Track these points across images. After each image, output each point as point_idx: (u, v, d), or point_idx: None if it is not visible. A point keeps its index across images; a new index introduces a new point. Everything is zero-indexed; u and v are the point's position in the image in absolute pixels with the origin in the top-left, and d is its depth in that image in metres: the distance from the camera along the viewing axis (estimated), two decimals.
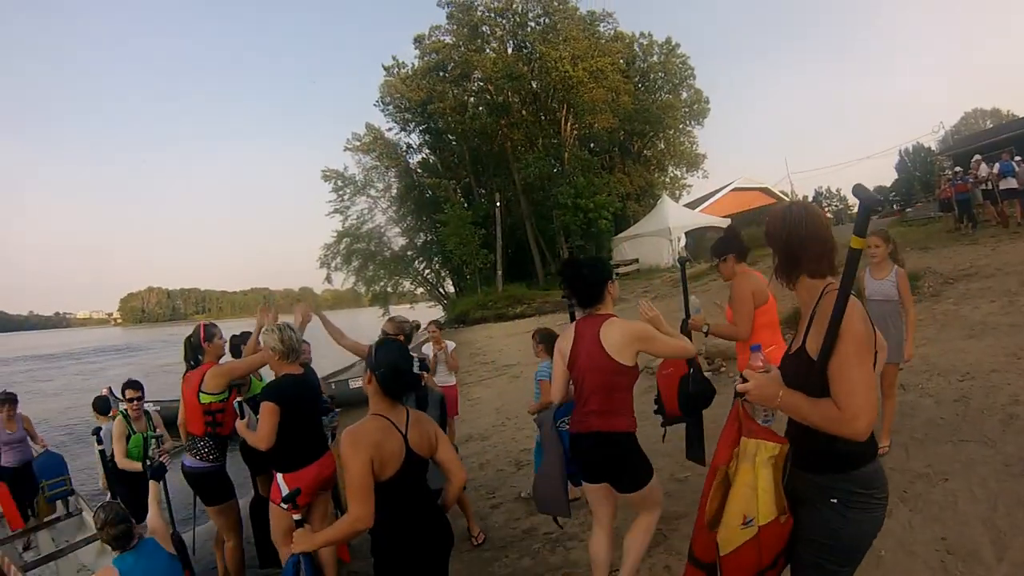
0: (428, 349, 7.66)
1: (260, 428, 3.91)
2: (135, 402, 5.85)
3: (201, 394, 4.51)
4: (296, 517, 3.17)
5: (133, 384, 6.00)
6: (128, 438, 5.64)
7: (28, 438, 7.54)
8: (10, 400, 7.45)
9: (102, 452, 6.12)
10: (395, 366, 2.72)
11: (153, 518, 3.91)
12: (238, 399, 4.53)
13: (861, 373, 1.94)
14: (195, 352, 4.75)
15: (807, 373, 2.04)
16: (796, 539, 2.16)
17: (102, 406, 7.02)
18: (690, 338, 4.19)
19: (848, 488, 2.04)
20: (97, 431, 6.19)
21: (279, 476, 4.05)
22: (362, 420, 2.72)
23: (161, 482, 4.32)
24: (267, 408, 3.88)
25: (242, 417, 4.27)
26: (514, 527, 5.45)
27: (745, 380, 2.09)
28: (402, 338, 4.87)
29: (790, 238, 2.17)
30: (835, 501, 2.04)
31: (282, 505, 3.84)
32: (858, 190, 1.99)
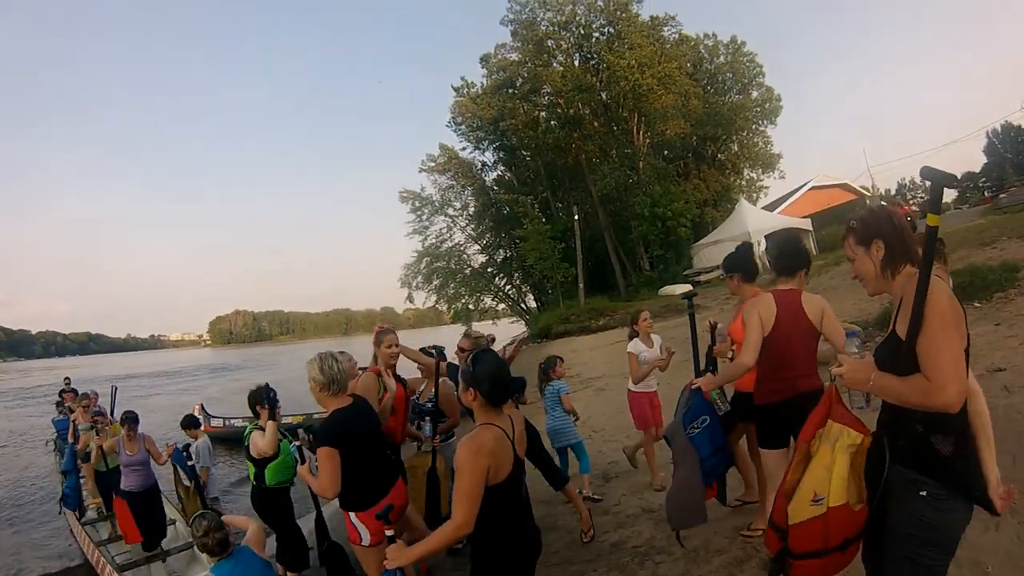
0: (638, 346, 6.45)
1: (321, 476, 3.65)
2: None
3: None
4: (389, 533, 3.14)
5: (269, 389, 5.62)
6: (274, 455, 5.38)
7: (151, 460, 7.31)
8: (131, 419, 7.26)
9: (192, 468, 6.50)
10: (496, 377, 2.81)
11: (246, 526, 4.08)
12: (295, 443, 4.35)
13: (946, 344, 2.00)
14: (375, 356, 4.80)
15: (896, 354, 2.10)
16: (886, 533, 2.21)
17: (190, 423, 7.46)
18: (715, 363, 4.68)
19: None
20: (187, 447, 6.62)
21: (352, 516, 3.84)
22: (479, 430, 2.79)
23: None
24: (324, 454, 3.59)
25: (302, 462, 4.05)
26: (602, 540, 5.34)
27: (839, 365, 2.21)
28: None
29: (899, 230, 2.25)
30: (924, 494, 2.07)
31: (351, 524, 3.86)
32: (926, 171, 2.05)
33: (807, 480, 2.24)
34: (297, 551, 5.55)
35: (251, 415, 5.71)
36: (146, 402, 32.08)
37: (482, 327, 40.46)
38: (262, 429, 5.39)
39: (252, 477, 5.59)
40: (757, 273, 4.65)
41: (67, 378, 16.35)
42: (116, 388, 9.00)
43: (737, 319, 4.49)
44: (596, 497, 6.44)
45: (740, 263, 4.60)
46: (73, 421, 10.14)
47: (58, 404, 15.07)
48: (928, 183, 2.07)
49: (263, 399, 5.47)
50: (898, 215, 2.32)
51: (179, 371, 66.56)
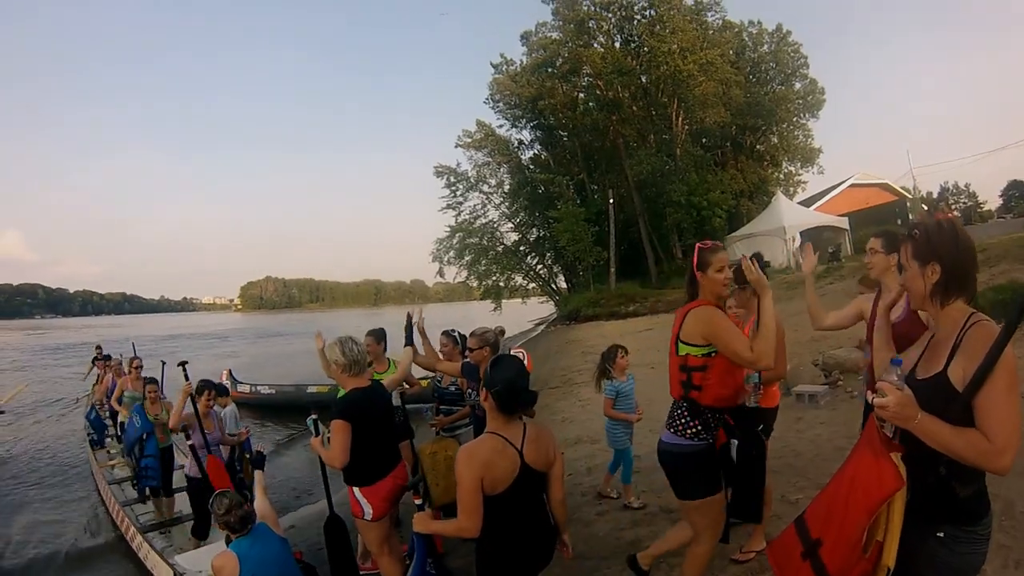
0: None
1: (332, 446, 3.92)
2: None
3: (679, 343, 3.26)
4: (417, 502, 3.39)
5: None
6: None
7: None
8: (217, 390, 6.70)
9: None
10: (511, 384, 2.81)
11: (261, 504, 4.14)
12: (312, 416, 4.49)
13: (1013, 408, 1.86)
14: (691, 285, 3.44)
15: (945, 401, 1.93)
16: (900, 573, 2.04)
17: (219, 391, 7.32)
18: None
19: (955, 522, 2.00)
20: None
21: (356, 491, 4.09)
22: (479, 438, 2.88)
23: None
24: (337, 426, 3.87)
25: (316, 434, 4.28)
26: (619, 537, 5.27)
27: (879, 395, 1.93)
28: (487, 351, 4.89)
29: (963, 256, 2.07)
30: (942, 535, 1.99)
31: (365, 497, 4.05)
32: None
33: (896, 517, 1.98)
34: None
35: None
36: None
37: (511, 305, 40.66)
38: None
39: None
40: None
41: (98, 346, 16.13)
42: (164, 363, 8.74)
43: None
44: (635, 505, 5.89)
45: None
46: (117, 386, 9.73)
47: (94, 360, 15.11)
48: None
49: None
50: (966, 236, 2.12)
51: (214, 334, 67.41)
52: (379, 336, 6.05)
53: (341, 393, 4.20)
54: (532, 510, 2.97)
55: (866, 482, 2.04)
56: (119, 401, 9.37)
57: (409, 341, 5.18)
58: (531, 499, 2.95)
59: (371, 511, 4.09)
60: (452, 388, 5.69)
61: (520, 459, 2.83)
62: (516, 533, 2.89)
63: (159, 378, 7.94)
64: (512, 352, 4.88)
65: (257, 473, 4.56)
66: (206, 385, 6.58)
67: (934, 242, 2.09)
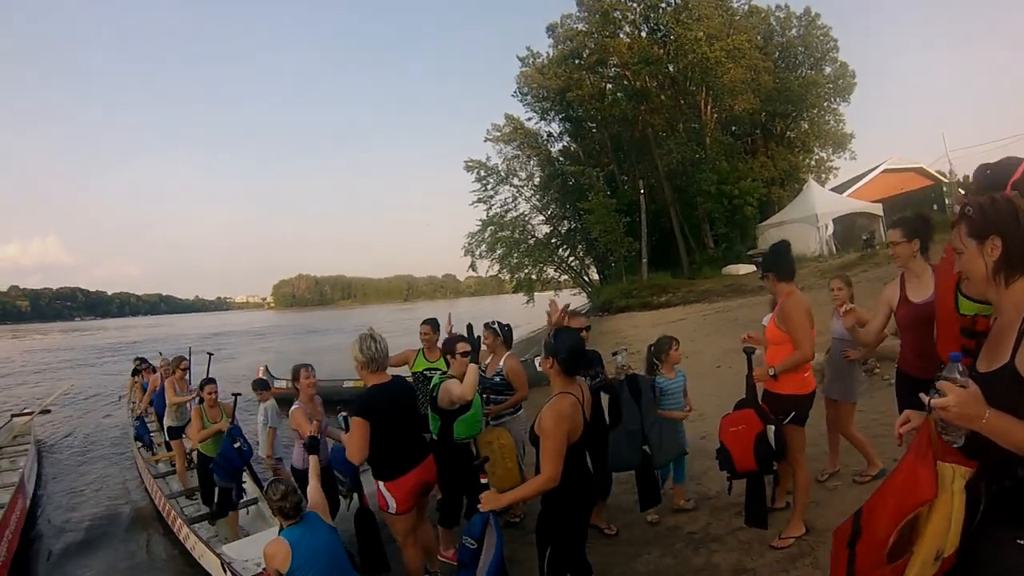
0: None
1: (350, 443, 4.07)
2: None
3: (960, 297, 2.75)
4: (483, 481, 3.52)
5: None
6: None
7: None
8: (306, 366, 6.39)
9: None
10: (573, 349, 3.28)
11: (314, 493, 4.17)
12: (343, 413, 4.53)
13: None
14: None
15: (1016, 395, 1.76)
16: None
17: (263, 386, 7.52)
18: (755, 391, 4.39)
19: None
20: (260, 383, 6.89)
21: (381, 485, 4.22)
22: (558, 398, 3.23)
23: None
24: (355, 423, 4.00)
25: (346, 430, 4.38)
26: (658, 523, 5.42)
27: (941, 394, 1.74)
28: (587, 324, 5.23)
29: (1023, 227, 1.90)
30: (1022, 542, 1.79)
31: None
32: None
33: (930, 539, 1.85)
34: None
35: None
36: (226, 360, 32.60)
37: (543, 297, 40.71)
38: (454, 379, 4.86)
39: (435, 432, 5.03)
40: (793, 273, 4.51)
41: (137, 358, 16.03)
42: (211, 355, 8.66)
43: (771, 319, 4.58)
44: (687, 507, 5.65)
45: (774, 262, 4.58)
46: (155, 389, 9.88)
47: (134, 372, 14.77)
48: None
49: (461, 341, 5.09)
50: None
51: (252, 332, 68.28)
52: (435, 326, 6.34)
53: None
54: (585, 459, 3.46)
55: (901, 486, 1.95)
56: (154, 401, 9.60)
57: (475, 359, 4.79)
58: (585, 450, 3.44)
59: (395, 505, 4.24)
60: (497, 379, 5.78)
61: (583, 413, 3.29)
62: (579, 478, 3.32)
63: (207, 370, 7.90)
64: None
65: (312, 459, 4.51)
66: (301, 366, 6.38)
67: (990, 216, 1.94)
